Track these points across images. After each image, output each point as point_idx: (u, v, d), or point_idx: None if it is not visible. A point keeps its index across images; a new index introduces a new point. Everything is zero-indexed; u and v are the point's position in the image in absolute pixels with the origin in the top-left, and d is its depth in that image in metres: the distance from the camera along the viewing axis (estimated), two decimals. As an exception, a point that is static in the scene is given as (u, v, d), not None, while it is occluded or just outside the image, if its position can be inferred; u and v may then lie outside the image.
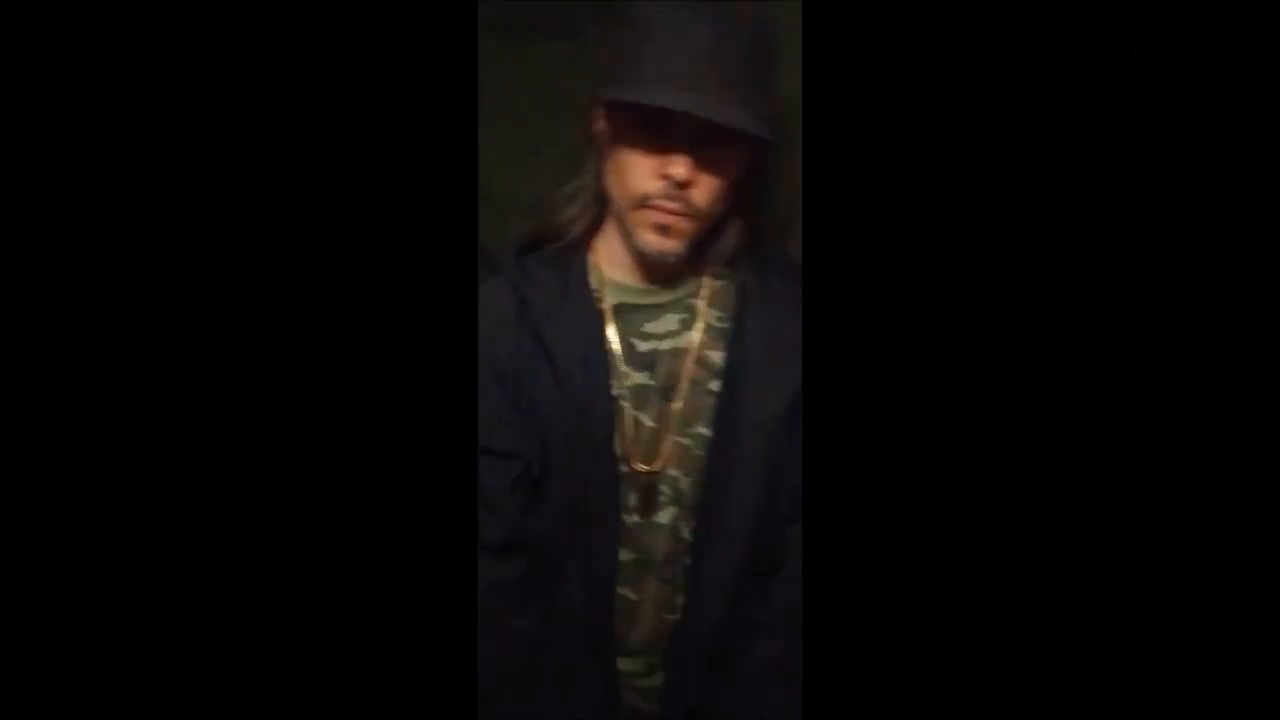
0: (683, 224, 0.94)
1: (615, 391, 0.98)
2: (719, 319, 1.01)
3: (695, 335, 1.00)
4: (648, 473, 0.97)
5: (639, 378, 0.99)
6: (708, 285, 1.01)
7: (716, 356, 0.99)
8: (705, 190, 0.93)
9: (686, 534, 0.98)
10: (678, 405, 0.98)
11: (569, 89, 1.50)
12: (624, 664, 1.00)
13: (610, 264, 1.02)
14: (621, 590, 0.98)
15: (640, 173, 0.93)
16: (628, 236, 0.98)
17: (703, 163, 0.92)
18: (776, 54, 0.95)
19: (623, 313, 1.01)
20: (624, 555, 0.98)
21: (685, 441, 0.97)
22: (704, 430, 0.98)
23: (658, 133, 0.91)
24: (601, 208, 1.01)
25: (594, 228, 1.02)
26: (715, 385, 0.98)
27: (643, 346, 0.99)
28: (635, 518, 0.98)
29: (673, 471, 0.98)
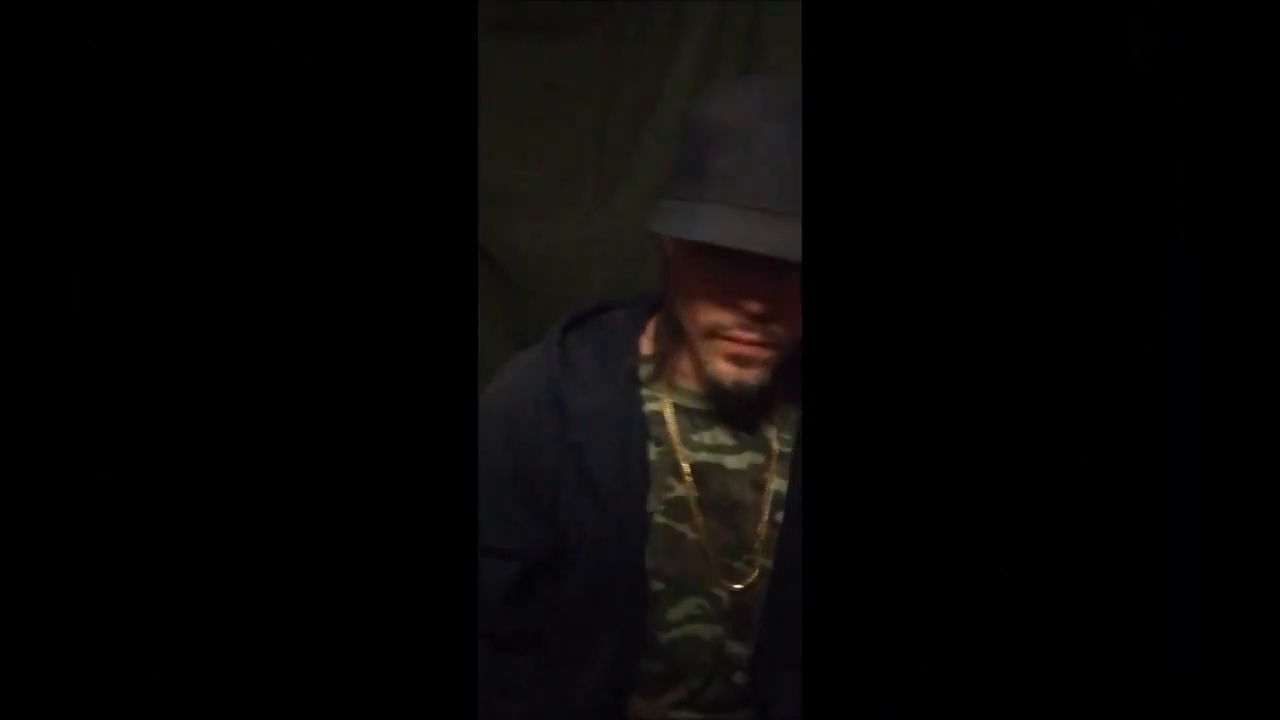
0: (763, 354, 0.83)
1: (651, 507, 0.87)
2: (785, 440, 0.90)
3: (754, 456, 0.90)
4: (740, 590, 0.89)
5: (680, 490, 0.88)
6: (779, 402, 0.90)
7: (776, 482, 0.89)
8: (789, 320, 0.81)
9: (736, 651, 0.90)
10: (727, 531, 0.89)
11: (570, 89, 1.51)
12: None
13: (673, 371, 0.90)
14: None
15: (712, 303, 0.82)
16: (699, 365, 0.86)
17: (779, 291, 0.80)
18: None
19: (677, 416, 0.89)
20: (653, 666, 0.91)
21: (744, 568, 0.89)
22: (765, 562, 0.89)
23: (725, 258, 0.78)
24: (675, 333, 0.87)
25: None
26: (778, 516, 0.89)
27: (693, 459, 0.89)
28: (677, 632, 0.89)
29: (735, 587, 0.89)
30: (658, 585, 0.88)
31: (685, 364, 0.89)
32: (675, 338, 0.88)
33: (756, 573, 0.88)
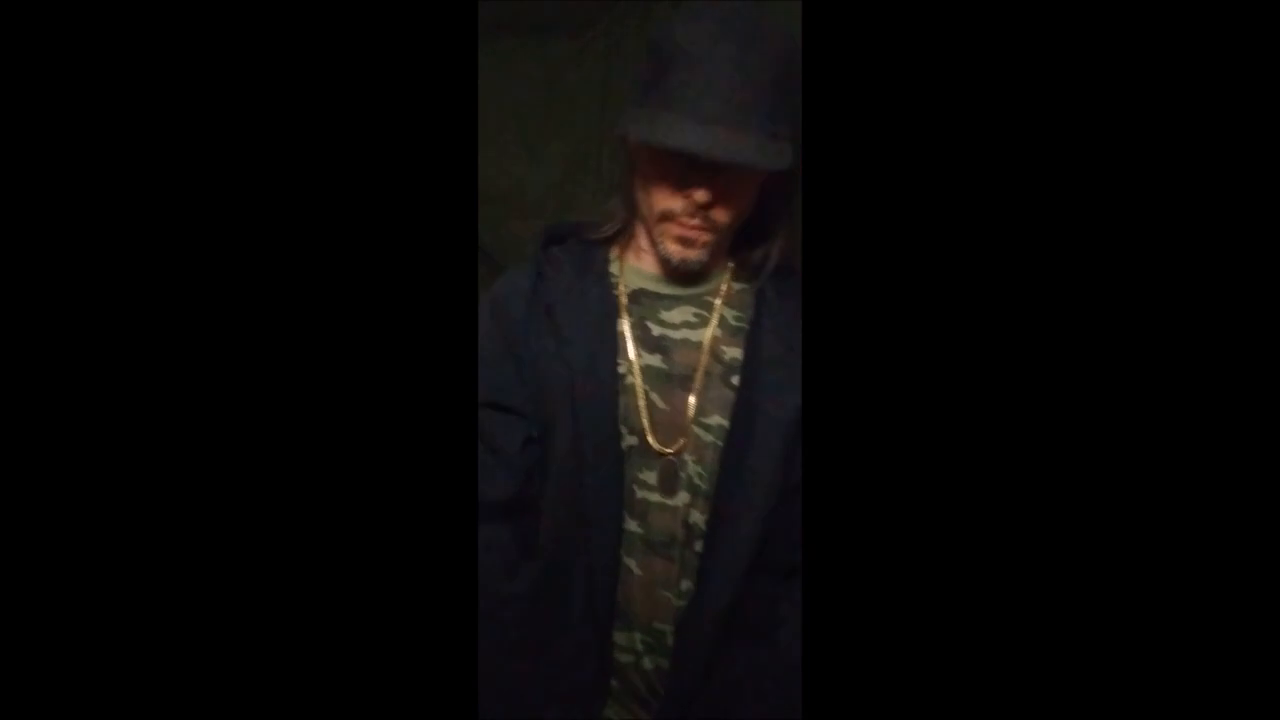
0: (704, 236, 0.99)
1: (622, 370, 1.01)
2: (736, 318, 1.04)
3: (710, 330, 1.03)
4: (666, 454, 1.00)
5: (650, 359, 1.02)
6: (727, 286, 1.05)
7: (733, 352, 1.02)
8: (726, 209, 0.98)
9: (698, 521, 0.99)
10: (693, 395, 1.01)
11: (570, 89, 1.51)
12: (621, 637, 1.01)
13: (635, 258, 1.06)
14: (626, 560, 1.00)
15: (664, 192, 0.98)
16: (653, 243, 1.03)
17: (724, 185, 0.97)
18: (794, 91, 0.97)
19: (638, 298, 1.04)
20: (631, 527, 1.00)
21: (700, 432, 1.00)
22: (721, 421, 1.00)
23: (679, 157, 0.95)
24: (631, 214, 1.05)
25: (623, 230, 1.07)
26: (734, 379, 1.01)
27: (656, 331, 1.03)
28: (653, 495, 1.00)
29: (689, 458, 1.00)
30: (630, 440, 1.01)
31: (644, 244, 1.06)
32: (633, 221, 1.06)
33: (712, 436, 1.01)
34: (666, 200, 0.98)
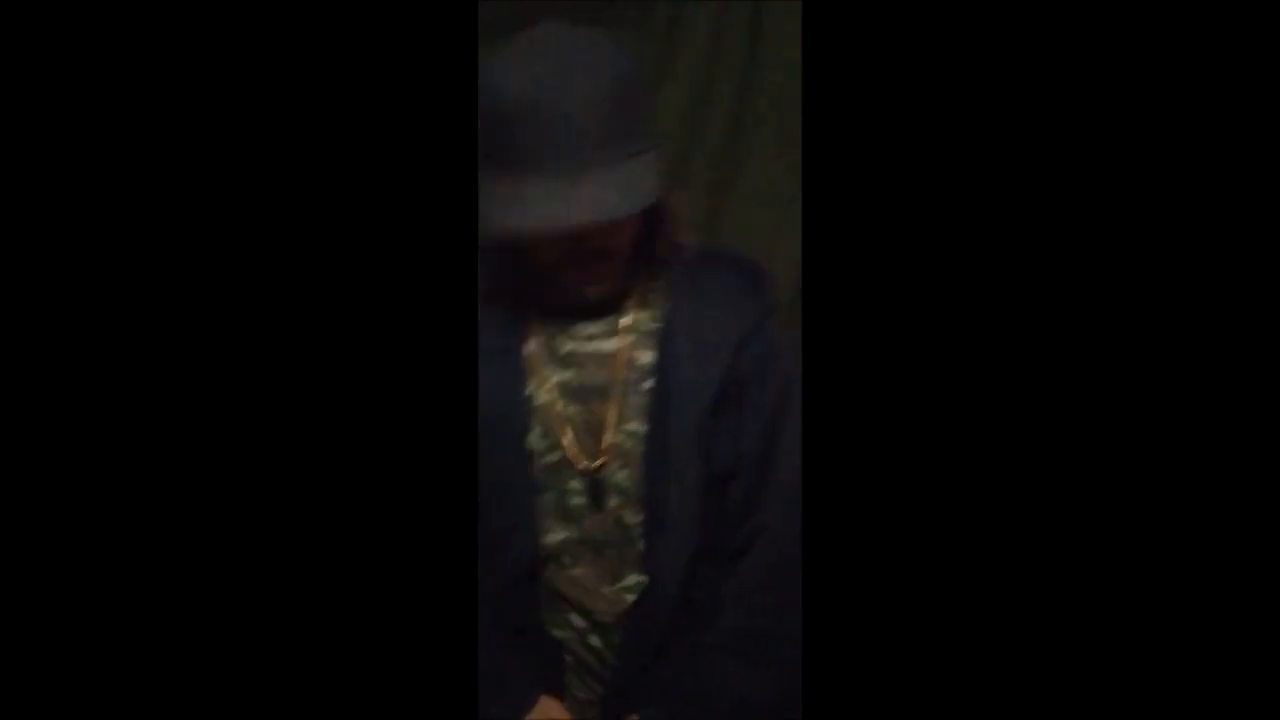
0: (606, 267, 0.95)
1: (530, 390, 1.00)
2: (648, 320, 1.02)
3: (620, 339, 1.01)
4: (592, 469, 1.00)
5: (564, 375, 1.01)
6: (644, 290, 1.02)
7: (646, 357, 1.01)
8: (619, 239, 0.93)
9: (633, 521, 1.00)
10: (611, 406, 1.00)
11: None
12: (559, 619, 1.03)
13: (547, 265, 0.99)
14: (571, 571, 1.01)
15: (547, 253, 0.93)
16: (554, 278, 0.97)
17: (603, 233, 0.91)
18: (642, 75, 0.93)
19: (548, 316, 1.01)
20: (568, 535, 1.01)
21: (623, 439, 1.00)
22: (639, 427, 1.00)
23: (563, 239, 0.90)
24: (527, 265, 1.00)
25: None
26: (647, 385, 1.00)
27: (565, 347, 1.01)
28: (585, 501, 1.01)
29: (614, 466, 1.00)
30: (551, 457, 1.00)
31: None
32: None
33: (633, 443, 1.00)
34: (553, 256, 0.92)
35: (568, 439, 1.00)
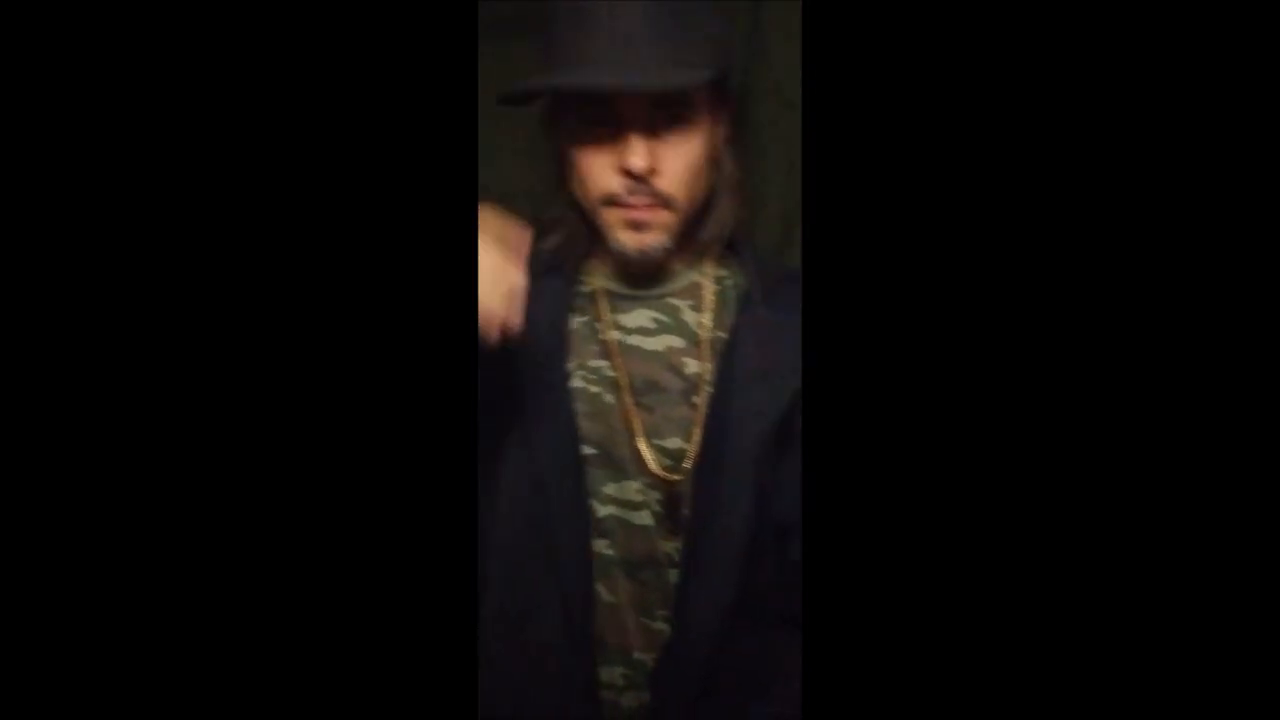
0: (659, 216, 0.89)
1: (572, 369, 0.92)
2: (705, 325, 0.94)
3: (668, 339, 0.94)
4: (668, 479, 0.91)
5: (600, 364, 0.93)
6: (698, 286, 0.95)
7: (694, 365, 0.93)
8: (672, 176, 0.88)
9: (668, 549, 0.92)
10: (644, 413, 0.92)
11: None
12: (601, 672, 0.93)
13: (600, 259, 0.97)
14: (596, 585, 0.92)
15: (598, 171, 0.89)
16: (606, 241, 0.92)
17: (662, 147, 0.87)
18: (710, 23, 0.90)
19: (596, 298, 0.95)
20: (600, 548, 0.93)
21: (651, 454, 0.92)
22: (680, 444, 0.92)
23: (606, 123, 0.87)
24: (578, 215, 0.94)
25: (574, 236, 0.96)
26: (694, 398, 0.92)
27: (607, 334, 0.94)
28: (618, 511, 0.92)
29: (646, 479, 0.92)
30: (589, 450, 0.92)
31: (599, 249, 0.95)
32: (582, 221, 0.94)
33: (669, 460, 0.92)
34: (604, 181, 0.88)
35: (604, 428, 0.91)
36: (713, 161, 0.92)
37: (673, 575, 0.92)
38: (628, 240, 0.90)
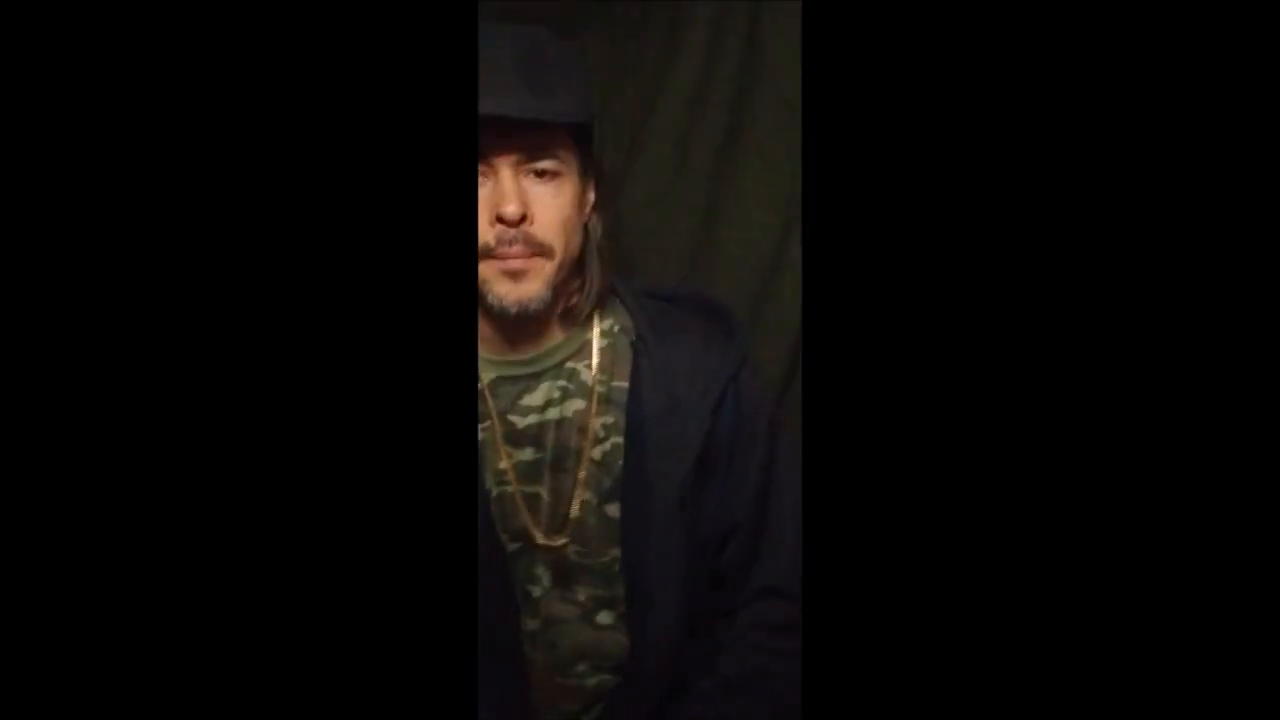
0: (534, 264, 0.90)
1: (494, 472, 0.94)
2: (603, 380, 0.96)
3: (574, 403, 0.95)
4: (554, 547, 0.94)
5: (521, 455, 0.95)
6: (587, 346, 0.97)
7: (603, 419, 0.95)
8: (546, 224, 0.89)
9: (606, 621, 0.95)
10: (569, 479, 0.94)
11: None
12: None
13: (484, 347, 0.96)
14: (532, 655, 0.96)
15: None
16: (485, 303, 0.91)
17: (533, 195, 0.89)
18: (573, 69, 0.92)
19: (496, 390, 0.95)
20: (531, 625, 0.96)
21: (586, 516, 0.94)
22: (598, 499, 0.94)
23: (479, 175, 0.88)
24: None
25: None
26: (597, 454, 0.94)
27: (521, 423, 0.95)
28: (546, 591, 0.95)
29: (577, 546, 0.95)
30: (513, 545, 0.94)
31: (484, 330, 0.94)
32: None
33: (595, 520, 0.94)
34: (479, 233, 0.88)
35: (527, 521, 0.93)
36: (583, 224, 0.94)
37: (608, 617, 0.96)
38: (506, 293, 0.90)
